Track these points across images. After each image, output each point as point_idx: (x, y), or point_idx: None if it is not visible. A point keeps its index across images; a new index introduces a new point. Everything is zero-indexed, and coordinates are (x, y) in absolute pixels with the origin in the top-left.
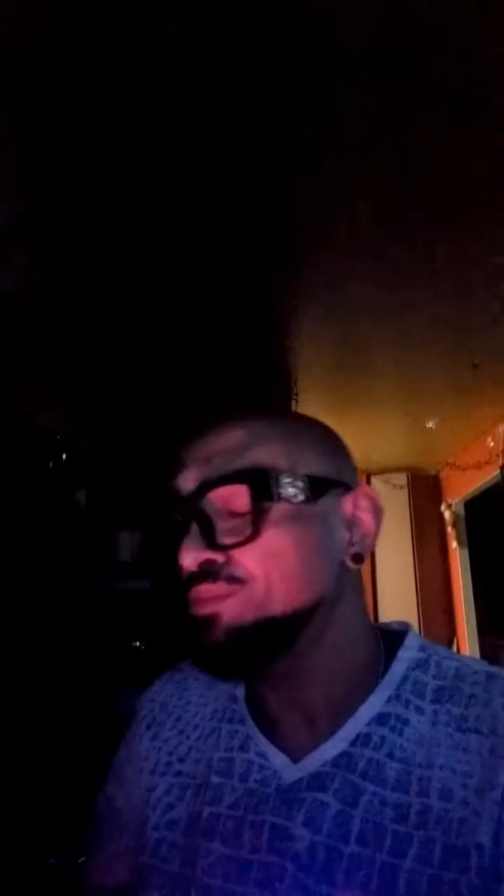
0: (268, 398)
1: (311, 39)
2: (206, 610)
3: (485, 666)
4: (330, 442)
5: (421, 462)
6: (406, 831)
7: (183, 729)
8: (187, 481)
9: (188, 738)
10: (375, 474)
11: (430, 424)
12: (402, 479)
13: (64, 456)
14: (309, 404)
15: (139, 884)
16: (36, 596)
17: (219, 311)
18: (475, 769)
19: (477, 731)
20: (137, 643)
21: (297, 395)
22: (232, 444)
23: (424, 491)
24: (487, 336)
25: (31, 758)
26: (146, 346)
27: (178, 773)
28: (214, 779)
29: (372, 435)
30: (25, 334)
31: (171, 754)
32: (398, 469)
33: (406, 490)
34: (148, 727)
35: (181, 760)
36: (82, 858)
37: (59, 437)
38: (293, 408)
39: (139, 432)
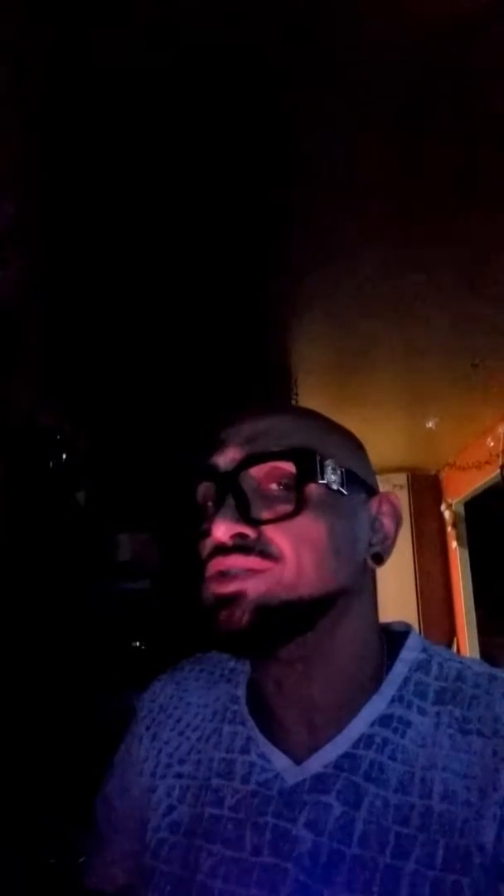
0: (268, 398)
1: (313, 45)
2: (229, 588)
3: (486, 668)
4: (358, 445)
5: (421, 462)
6: (409, 833)
7: (183, 730)
8: (226, 458)
9: (188, 739)
10: (376, 474)
11: (430, 424)
12: (402, 479)
13: (64, 456)
14: (309, 404)
15: (139, 885)
16: (35, 596)
17: (219, 311)
18: (477, 771)
19: (479, 733)
20: (137, 643)
21: (297, 395)
22: (275, 426)
23: (424, 491)
24: (487, 336)
25: (30, 758)
26: (147, 347)
27: (179, 775)
28: (215, 780)
29: (372, 435)
30: (25, 334)
31: (171, 756)
32: (398, 469)
33: (406, 490)
34: (147, 728)
35: (181, 762)
36: (82, 859)
37: (59, 437)
38: None
39: (139, 433)
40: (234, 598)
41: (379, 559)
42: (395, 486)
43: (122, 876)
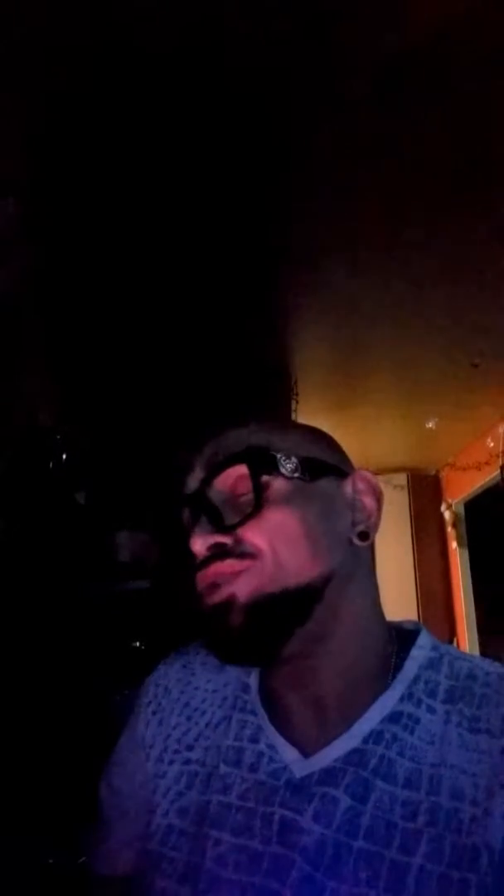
0: (268, 398)
1: (309, 42)
2: (220, 596)
3: (497, 667)
4: (323, 436)
5: (421, 462)
6: (416, 829)
7: (191, 715)
8: (193, 480)
9: (196, 724)
10: (375, 474)
11: (430, 424)
12: (402, 479)
13: (64, 456)
14: (309, 404)
15: (145, 871)
16: (35, 596)
17: (219, 311)
18: (485, 769)
19: (488, 732)
20: (137, 643)
21: (297, 395)
22: (229, 438)
23: (424, 491)
24: (487, 336)
25: (31, 758)
26: (146, 347)
27: (188, 761)
28: (223, 768)
29: (372, 435)
30: (26, 334)
31: (178, 741)
32: (398, 469)
33: (406, 490)
34: (154, 713)
35: (189, 748)
36: (82, 858)
37: (59, 437)
38: (293, 408)
39: (139, 433)
40: (227, 604)
41: (365, 536)
42: (395, 486)
43: (128, 861)
